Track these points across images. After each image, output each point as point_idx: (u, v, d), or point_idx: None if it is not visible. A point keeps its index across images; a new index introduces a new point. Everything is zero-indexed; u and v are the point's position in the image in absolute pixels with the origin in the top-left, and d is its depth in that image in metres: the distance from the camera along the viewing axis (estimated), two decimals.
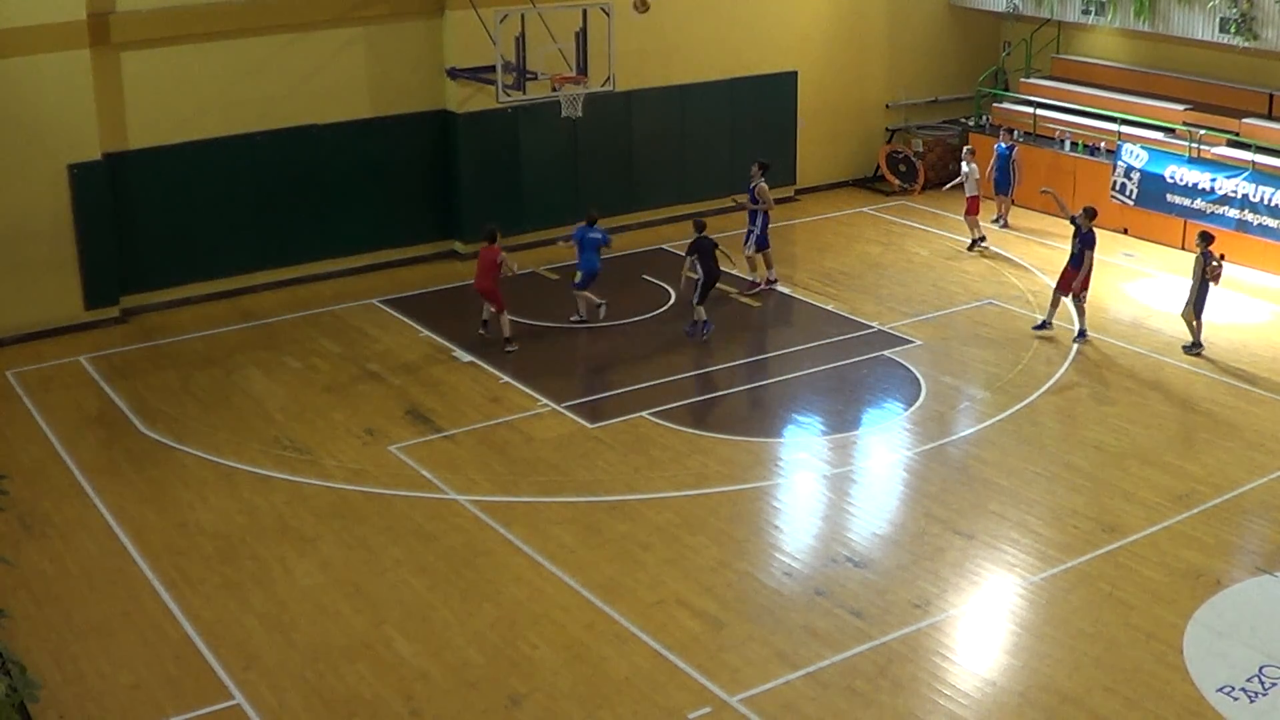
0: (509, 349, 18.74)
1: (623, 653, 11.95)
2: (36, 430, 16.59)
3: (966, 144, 24.18)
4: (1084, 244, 18.63)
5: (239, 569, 13.42)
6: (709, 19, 24.24)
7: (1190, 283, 18.57)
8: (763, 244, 21.09)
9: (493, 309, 18.95)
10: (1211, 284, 18.43)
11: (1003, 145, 24.00)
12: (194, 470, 15.49)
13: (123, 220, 20.03)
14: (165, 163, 20.25)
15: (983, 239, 23.11)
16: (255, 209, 21.13)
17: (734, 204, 22.04)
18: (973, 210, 22.94)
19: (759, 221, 20.91)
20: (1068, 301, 19.02)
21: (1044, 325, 19.10)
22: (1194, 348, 18.53)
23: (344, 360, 18.63)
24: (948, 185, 24.05)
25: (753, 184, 20.93)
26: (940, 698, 11.30)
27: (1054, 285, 19.34)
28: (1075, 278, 18.75)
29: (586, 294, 19.71)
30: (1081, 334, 18.93)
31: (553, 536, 13.93)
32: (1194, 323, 18.58)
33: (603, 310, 19.68)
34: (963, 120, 27.21)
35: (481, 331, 19.22)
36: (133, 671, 11.79)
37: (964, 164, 23.13)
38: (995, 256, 22.73)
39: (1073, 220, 18.93)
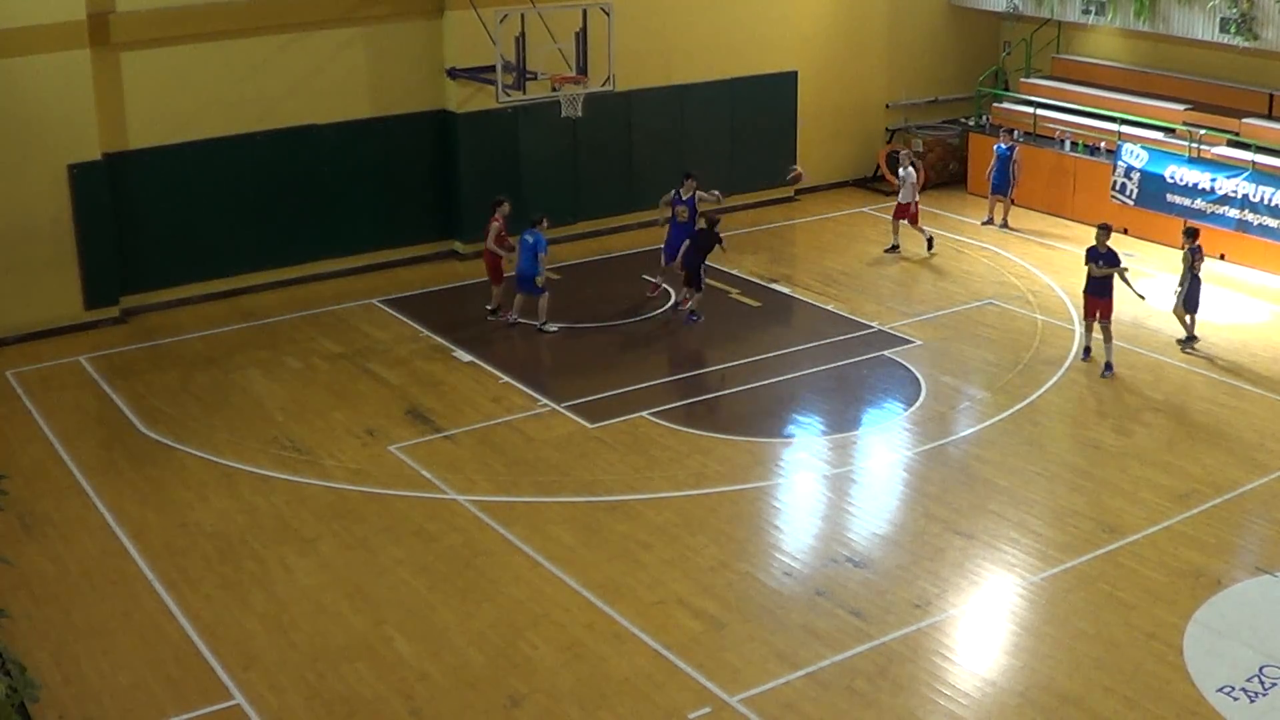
0: (492, 313, 19.90)
1: (623, 653, 11.95)
2: (36, 430, 16.59)
3: (910, 152, 23.20)
4: (1108, 263, 17.96)
5: (239, 569, 13.42)
6: (709, 19, 24.23)
7: (1179, 279, 18.67)
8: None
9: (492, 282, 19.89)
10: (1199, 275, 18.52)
11: (1003, 146, 23.99)
12: (194, 470, 15.49)
13: (123, 220, 20.03)
14: (165, 163, 20.25)
15: (893, 248, 22.69)
16: (255, 209, 21.13)
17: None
18: (905, 215, 22.59)
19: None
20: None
21: (1088, 353, 18.32)
22: (1189, 342, 18.54)
23: (344, 360, 18.63)
24: (909, 191, 22.63)
25: (690, 195, 20.32)
26: (940, 698, 11.30)
27: (1083, 315, 18.62)
28: (1100, 305, 17.95)
29: (534, 298, 19.34)
30: (1109, 367, 17.91)
31: (553, 536, 13.93)
32: (1187, 318, 18.61)
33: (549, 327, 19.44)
34: (963, 120, 27.21)
35: (489, 312, 19.94)
36: (133, 671, 11.79)
37: (901, 169, 22.74)
38: (919, 260, 22.73)
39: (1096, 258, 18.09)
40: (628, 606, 12.62)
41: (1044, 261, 22.25)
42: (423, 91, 22.13)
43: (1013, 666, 11.78)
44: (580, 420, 16.62)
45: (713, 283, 21.13)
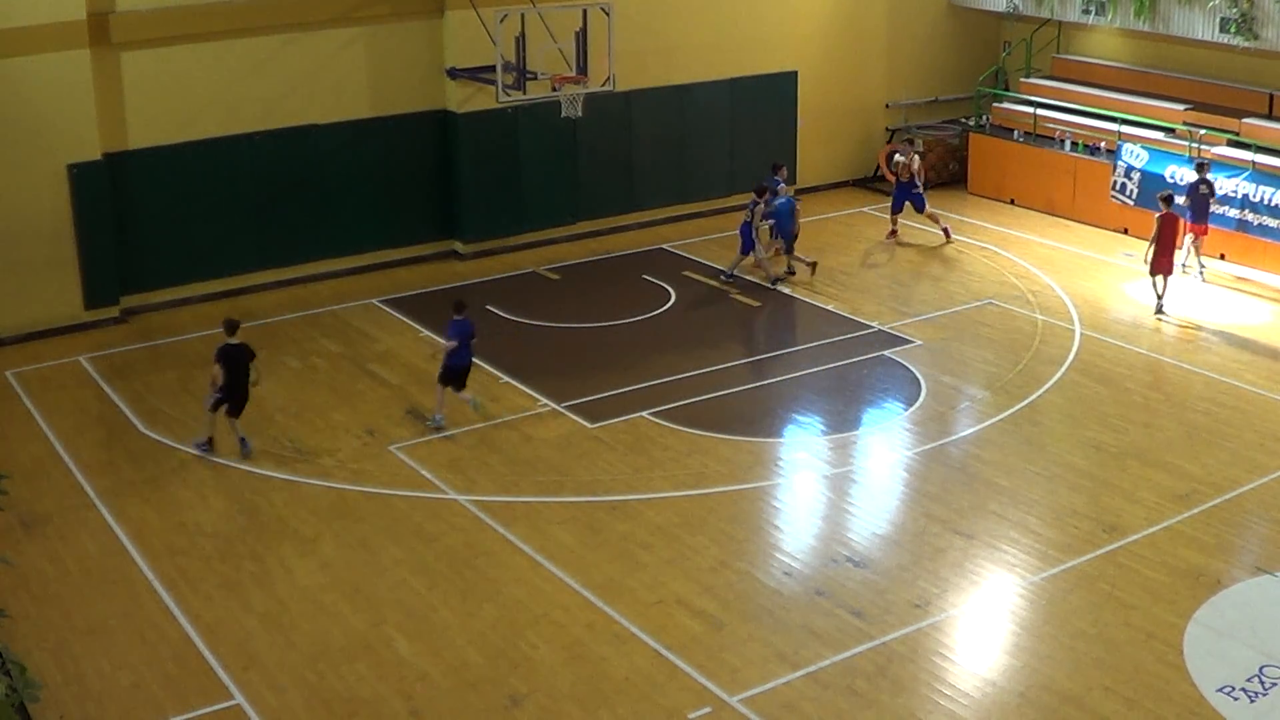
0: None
1: (623, 653, 11.95)
2: (36, 430, 16.59)
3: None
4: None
5: (239, 569, 13.42)
6: (709, 19, 24.23)
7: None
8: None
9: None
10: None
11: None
12: (194, 470, 15.49)
13: (123, 220, 20.03)
14: (165, 163, 20.24)
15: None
16: (255, 209, 21.13)
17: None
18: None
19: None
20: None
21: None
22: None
23: (344, 360, 18.63)
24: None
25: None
26: (940, 698, 11.30)
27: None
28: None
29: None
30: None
31: (553, 536, 13.93)
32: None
33: None
34: (963, 120, 27.21)
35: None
36: (133, 671, 11.79)
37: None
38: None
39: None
40: (628, 606, 12.63)
41: (1044, 261, 22.25)
42: (423, 91, 22.13)
43: (1013, 666, 11.78)
44: (580, 420, 16.62)
45: (713, 283, 21.16)
